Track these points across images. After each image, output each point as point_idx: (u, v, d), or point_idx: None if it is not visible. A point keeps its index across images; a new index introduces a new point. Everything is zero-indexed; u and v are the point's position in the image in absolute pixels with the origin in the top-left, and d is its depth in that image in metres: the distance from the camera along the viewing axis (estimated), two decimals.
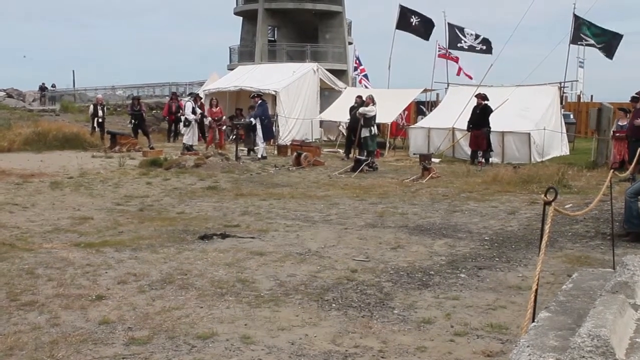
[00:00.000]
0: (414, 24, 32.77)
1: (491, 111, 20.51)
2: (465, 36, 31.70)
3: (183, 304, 6.50)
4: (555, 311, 3.30)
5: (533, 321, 3.34)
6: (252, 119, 21.85)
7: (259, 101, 22.09)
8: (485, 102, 20.62)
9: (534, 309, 3.95)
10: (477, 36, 31.73)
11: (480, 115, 20.49)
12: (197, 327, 5.84)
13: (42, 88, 53.46)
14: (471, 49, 31.89)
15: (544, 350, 2.64)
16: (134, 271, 7.66)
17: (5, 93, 47.87)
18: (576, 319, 3.08)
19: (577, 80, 32.37)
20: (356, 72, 38.70)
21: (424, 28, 32.94)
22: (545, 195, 4.33)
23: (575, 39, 28.39)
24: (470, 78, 31.09)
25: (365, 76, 37.32)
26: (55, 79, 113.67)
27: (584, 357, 2.44)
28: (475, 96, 21.17)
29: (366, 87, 34.11)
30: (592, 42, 28.28)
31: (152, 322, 5.95)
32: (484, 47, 31.71)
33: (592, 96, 37.55)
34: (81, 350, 5.28)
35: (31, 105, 47.61)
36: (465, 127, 21.27)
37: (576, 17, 28.07)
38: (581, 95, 35.10)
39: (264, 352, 5.32)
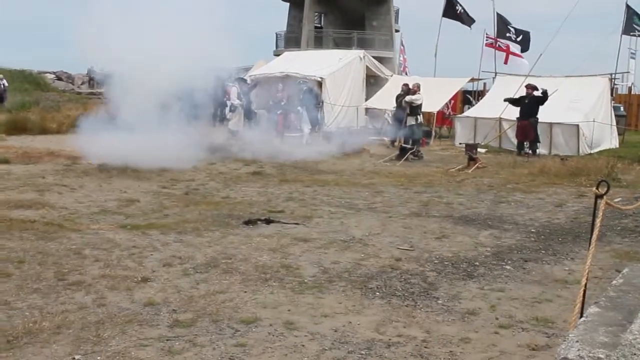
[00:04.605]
0: (459, 12, 32.43)
1: (542, 101, 20.12)
2: (509, 31, 31.21)
3: (227, 288, 6.55)
4: (605, 307, 3.24)
5: (581, 316, 3.29)
6: (299, 108, 21.86)
7: (304, 88, 22.07)
8: (535, 92, 20.34)
9: (582, 303, 3.89)
10: (518, 33, 31.12)
11: (529, 105, 20.22)
12: (240, 311, 5.87)
13: (91, 71, 53.95)
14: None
15: (594, 346, 2.60)
16: (179, 254, 7.74)
17: (55, 76, 48.53)
18: (627, 315, 3.03)
19: (628, 72, 31.68)
20: (401, 59, 38.56)
21: (468, 18, 32.60)
22: (597, 188, 4.26)
23: (628, 30, 27.76)
24: (521, 57, 30.41)
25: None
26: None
27: (635, 354, 2.40)
28: (525, 86, 20.91)
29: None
30: None
31: (196, 305, 6.01)
32: (519, 47, 31.15)
33: None
34: (126, 331, 5.35)
35: (80, 88, 48.24)
36: (512, 118, 21.01)
37: (628, 7, 27.47)
38: (632, 87, 34.46)
39: (307, 338, 5.33)
